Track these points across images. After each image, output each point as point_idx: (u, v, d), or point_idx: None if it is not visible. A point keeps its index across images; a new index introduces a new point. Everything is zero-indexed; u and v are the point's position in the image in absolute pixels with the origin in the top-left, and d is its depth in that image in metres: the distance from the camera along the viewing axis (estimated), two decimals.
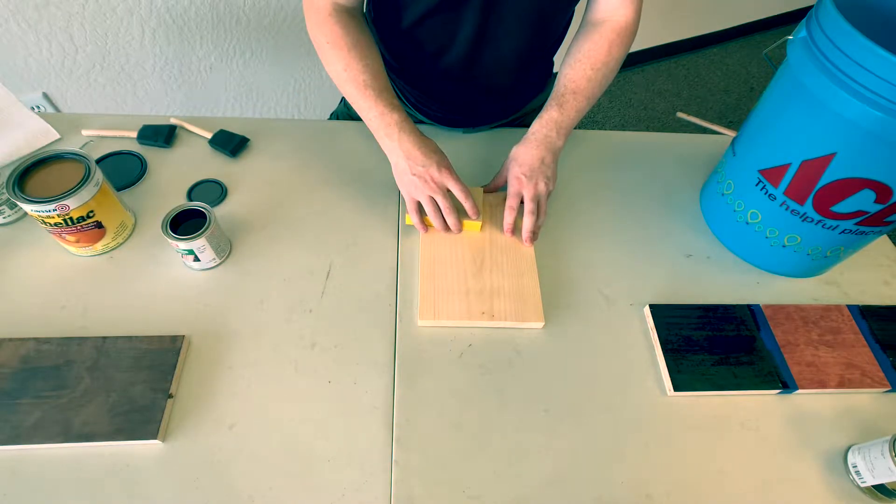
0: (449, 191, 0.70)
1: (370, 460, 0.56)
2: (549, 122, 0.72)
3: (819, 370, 0.64)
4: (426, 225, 0.72)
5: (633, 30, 0.74)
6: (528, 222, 0.71)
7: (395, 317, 0.67)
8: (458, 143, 0.88)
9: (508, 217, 0.72)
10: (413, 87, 0.86)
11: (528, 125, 0.75)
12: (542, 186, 0.71)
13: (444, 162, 0.70)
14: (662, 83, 2.45)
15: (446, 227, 0.71)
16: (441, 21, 0.72)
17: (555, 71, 0.94)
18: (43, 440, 0.53)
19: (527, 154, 0.72)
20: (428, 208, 0.69)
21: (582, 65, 0.72)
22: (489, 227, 0.75)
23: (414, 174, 0.68)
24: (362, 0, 0.71)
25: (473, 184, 0.79)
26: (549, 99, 0.74)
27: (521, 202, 0.72)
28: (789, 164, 0.64)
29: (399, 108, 0.70)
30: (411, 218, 0.71)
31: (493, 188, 0.78)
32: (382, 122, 0.68)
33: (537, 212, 0.71)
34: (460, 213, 0.72)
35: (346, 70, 0.68)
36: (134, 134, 0.83)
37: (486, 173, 0.82)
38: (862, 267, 0.77)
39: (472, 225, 0.73)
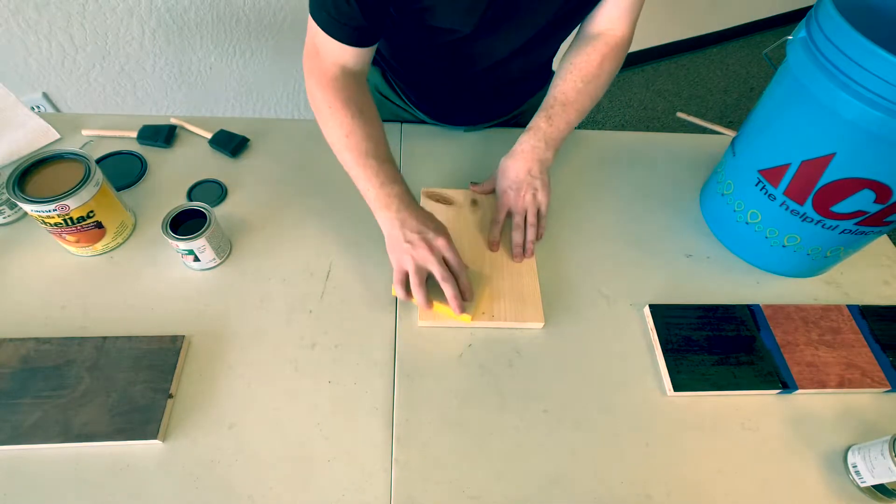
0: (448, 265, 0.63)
1: (370, 460, 0.56)
2: (536, 134, 0.72)
3: (819, 370, 0.64)
4: (411, 297, 0.64)
5: (626, 45, 0.74)
6: (515, 237, 0.71)
7: (395, 317, 0.67)
8: (459, 142, 0.88)
9: (493, 231, 0.72)
10: (414, 88, 0.86)
11: (528, 123, 0.75)
12: (528, 198, 0.71)
13: (441, 230, 0.64)
14: (662, 83, 2.45)
15: (429, 304, 0.63)
16: (454, 47, 0.72)
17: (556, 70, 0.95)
18: (43, 440, 0.53)
19: (512, 167, 0.72)
20: (413, 278, 0.61)
21: (573, 77, 0.72)
22: (488, 227, 0.75)
23: (407, 241, 0.62)
24: (368, 66, 0.68)
25: (475, 180, 0.79)
26: (539, 110, 0.74)
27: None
28: (789, 165, 0.64)
29: (400, 181, 0.65)
30: (395, 289, 0.64)
31: (480, 190, 0.78)
32: (382, 192, 0.63)
33: (524, 225, 0.71)
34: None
35: (348, 136, 0.64)
36: (134, 134, 0.83)
37: (487, 172, 0.82)
38: (862, 267, 0.77)
39: (462, 318, 0.64)
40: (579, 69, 0.72)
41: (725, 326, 0.67)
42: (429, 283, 0.63)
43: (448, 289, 0.61)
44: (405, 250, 0.62)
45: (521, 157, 0.72)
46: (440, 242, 0.62)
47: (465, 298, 0.63)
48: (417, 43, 0.73)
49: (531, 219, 0.71)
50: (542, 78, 0.92)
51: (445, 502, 0.54)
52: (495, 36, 0.69)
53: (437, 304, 0.64)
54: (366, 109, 0.65)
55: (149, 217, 0.74)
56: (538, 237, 0.72)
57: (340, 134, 0.64)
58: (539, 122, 0.72)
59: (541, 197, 0.71)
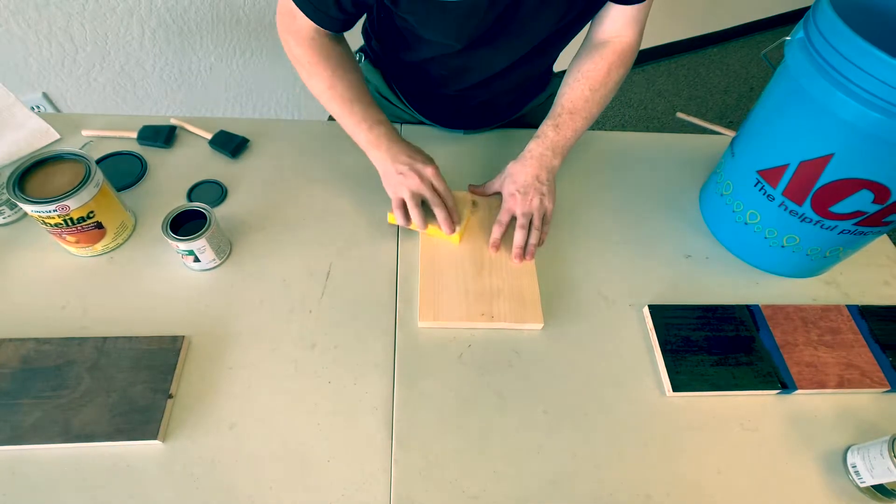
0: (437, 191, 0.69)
1: (370, 460, 0.56)
2: (544, 142, 0.73)
3: (818, 370, 0.64)
4: (410, 221, 0.71)
5: (634, 51, 0.74)
6: (518, 237, 0.71)
7: (394, 318, 0.67)
8: (459, 144, 0.88)
9: (495, 232, 0.72)
10: (414, 93, 0.86)
11: (528, 124, 0.75)
12: (535, 202, 0.71)
13: (429, 161, 0.70)
14: (662, 83, 2.45)
15: (426, 225, 0.70)
16: (449, 58, 0.72)
17: (556, 70, 0.95)
18: (43, 440, 0.53)
19: (521, 171, 0.73)
20: (410, 203, 0.68)
21: (580, 85, 0.73)
22: (488, 229, 0.75)
23: (399, 172, 0.68)
24: (344, 31, 0.71)
25: (474, 183, 0.79)
26: (547, 118, 0.74)
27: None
28: (787, 165, 0.65)
29: (385, 122, 0.71)
30: (395, 216, 0.70)
31: (480, 192, 0.78)
32: (371, 134, 0.69)
33: (529, 228, 0.71)
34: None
35: (331, 88, 0.69)
36: (134, 134, 0.83)
37: (487, 174, 0.82)
38: (862, 267, 0.77)
39: (452, 238, 0.72)
40: (587, 77, 0.72)
41: (724, 327, 0.67)
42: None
43: (439, 213, 0.68)
44: (399, 181, 0.68)
45: (530, 164, 0.72)
46: (429, 171, 0.69)
47: (454, 221, 0.70)
48: (414, 53, 0.74)
49: (536, 222, 0.72)
50: (542, 84, 0.92)
51: (445, 502, 0.54)
52: (491, 49, 0.70)
53: (430, 227, 0.70)
54: (344, 61, 0.70)
55: (149, 217, 0.74)
56: (540, 243, 0.73)
57: (324, 87, 0.69)
58: (546, 129, 0.73)
59: (547, 203, 0.72)
